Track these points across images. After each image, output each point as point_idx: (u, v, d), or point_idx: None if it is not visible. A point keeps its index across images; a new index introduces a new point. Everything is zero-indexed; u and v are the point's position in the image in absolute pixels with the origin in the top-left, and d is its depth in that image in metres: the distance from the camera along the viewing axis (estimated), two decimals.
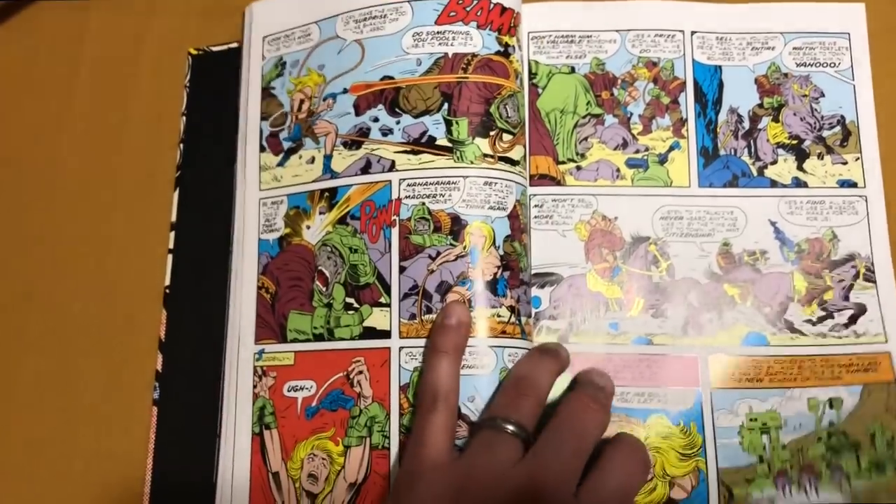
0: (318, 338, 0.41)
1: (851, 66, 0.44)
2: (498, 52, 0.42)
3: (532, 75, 0.45)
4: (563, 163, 0.43)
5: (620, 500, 0.34)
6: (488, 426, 0.35)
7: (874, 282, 0.41)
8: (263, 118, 0.45)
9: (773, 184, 0.42)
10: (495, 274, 0.39)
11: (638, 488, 0.35)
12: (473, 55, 0.42)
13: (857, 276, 0.41)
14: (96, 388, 0.44)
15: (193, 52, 0.48)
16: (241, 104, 0.46)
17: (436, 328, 0.38)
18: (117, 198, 0.47)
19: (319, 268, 0.42)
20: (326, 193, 0.43)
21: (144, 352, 0.44)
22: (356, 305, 0.41)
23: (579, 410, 0.36)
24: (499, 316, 0.39)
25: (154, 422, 0.43)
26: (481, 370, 0.38)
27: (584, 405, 0.36)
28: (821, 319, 0.41)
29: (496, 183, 0.40)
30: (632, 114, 0.44)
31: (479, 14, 0.42)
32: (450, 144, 0.41)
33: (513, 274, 0.40)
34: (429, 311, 0.39)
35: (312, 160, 0.43)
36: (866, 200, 0.42)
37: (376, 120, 0.42)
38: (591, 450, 0.35)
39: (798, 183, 0.42)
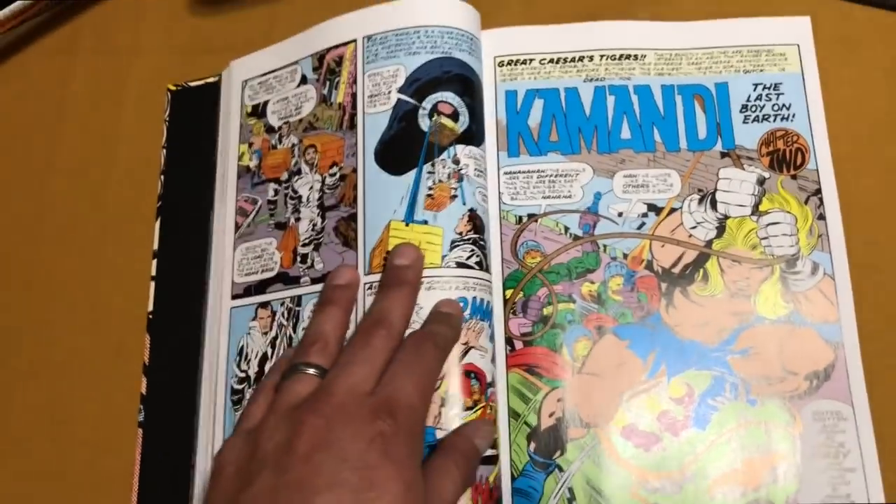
0: None
1: (802, 76, 0.46)
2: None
3: None
4: None
5: (414, 386, 0.35)
6: (288, 375, 0.37)
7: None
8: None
9: None
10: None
11: (431, 371, 0.37)
12: None
13: None
14: (86, 416, 0.46)
15: (172, 87, 0.51)
16: (220, 155, 0.49)
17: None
18: (105, 229, 0.49)
19: None
20: None
21: (132, 376, 0.46)
22: None
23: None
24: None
25: (139, 444, 0.44)
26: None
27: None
28: None
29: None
30: None
31: None
32: None
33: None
34: None
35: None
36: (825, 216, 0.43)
37: None
38: (380, 357, 0.36)
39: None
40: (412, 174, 0.43)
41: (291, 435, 0.33)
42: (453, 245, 0.41)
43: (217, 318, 0.46)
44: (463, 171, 0.43)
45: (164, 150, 0.50)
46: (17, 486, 0.45)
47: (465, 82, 0.44)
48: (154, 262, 0.48)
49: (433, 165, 0.42)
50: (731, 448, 0.40)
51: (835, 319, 0.41)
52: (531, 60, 0.47)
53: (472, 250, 0.42)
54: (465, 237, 0.42)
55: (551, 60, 0.47)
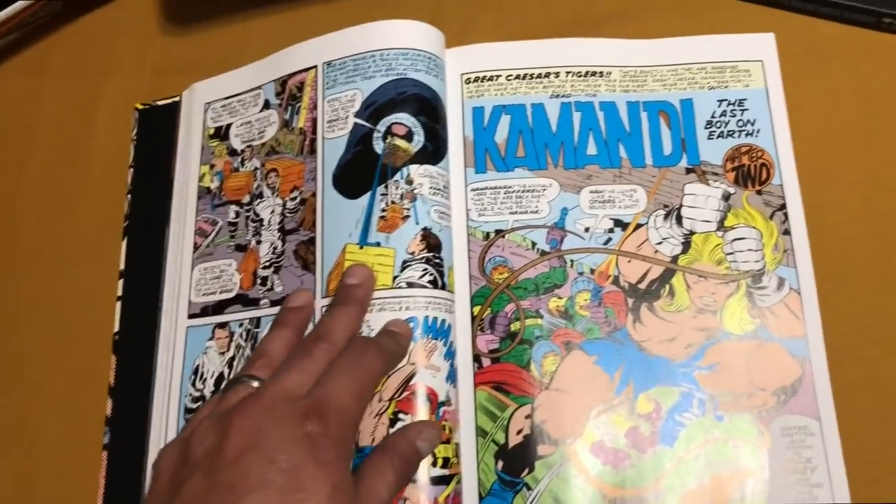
0: None
1: (766, 91, 0.46)
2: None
3: None
4: None
5: (348, 388, 0.35)
6: (229, 386, 0.37)
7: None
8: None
9: None
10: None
11: (370, 375, 0.37)
12: None
13: None
14: (53, 438, 0.45)
15: (140, 106, 0.51)
16: (178, 174, 0.49)
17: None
18: (74, 250, 0.49)
19: None
20: None
21: (98, 398, 0.45)
22: None
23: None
24: None
25: (104, 466, 0.44)
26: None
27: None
28: None
29: None
30: None
31: None
32: None
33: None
34: None
35: None
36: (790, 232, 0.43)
37: None
38: (315, 367, 0.36)
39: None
40: (366, 197, 0.43)
41: (221, 438, 0.33)
42: (405, 265, 0.41)
43: (171, 337, 0.46)
44: (416, 191, 0.43)
45: (132, 170, 0.50)
46: None
47: (421, 101, 0.44)
48: (120, 282, 0.47)
49: (386, 187, 0.43)
50: (699, 465, 0.40)
51: (801, 334, 0.41)
52: (498, 77, 0.47)
53: (425, 269, 0.41)
54: (418, 256, 0.42)
55: (518, 76, 0.47)
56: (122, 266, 0.48)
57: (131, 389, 0.45)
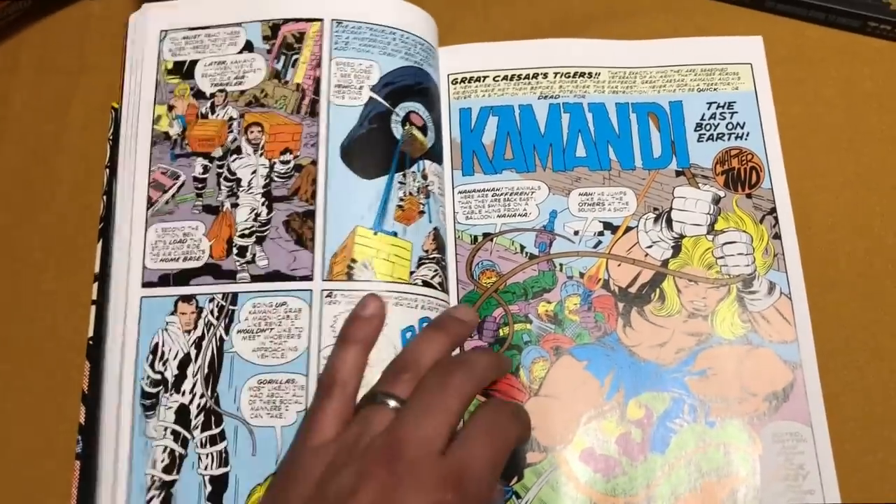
0: None
1: (756, 94, 0.46)
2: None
3: None
4: None
5: (488, 457, 0.33)
6: (367, 402, 0.35)
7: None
8: None
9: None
10: None
11: (508, 444, 0.35)
12: None
13: None
14: (22, 447, 0.44)
15: (116, 105, 0.49)
16: (126, 112, 0.45)
17: (350, 317, 0.38)
18: (47, 253, 0.47)
19: None
20: None
21: (71, 406, 0.44)
22: None
23: (440, 369, 0.36)
24: None
25: (76, 476, 0.42)
26: None
27: (445, 365, 0.36)
28: None
29: None
30: None
31: None
32: None
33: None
34: None
35: None
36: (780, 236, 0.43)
37: None
38: (458, 406, 0.34)
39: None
40: (383, 181, 0.41)
41: (358, 484, 0.32)
42: (420, 262, 0.40)
43: (122, 309, 0.41)
44: (430, 188, 0.42)
45: (107, 170, 0.48)
46: None
47: (432, 98, 0.43)
48: (95, 285, 0.46)
49: (404, 176, 0.41)
50: (691, 472, 0.39)
51: (792, 339, 0.41)
52: (485, 77, 0.46)
53: (436, 270, 0.41)
54: (431, 256, 0.41)
55: (505, 77, 0.46)
56: (96, 269, 0.46)
57: (104, 396, 0.43)
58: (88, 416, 0.43)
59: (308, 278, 0.40)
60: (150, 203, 0.42)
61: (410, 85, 0.43)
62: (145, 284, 0.41)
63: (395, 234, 0.40)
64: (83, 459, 0.42)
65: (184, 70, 0.44)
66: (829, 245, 0.43)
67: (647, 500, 0.39)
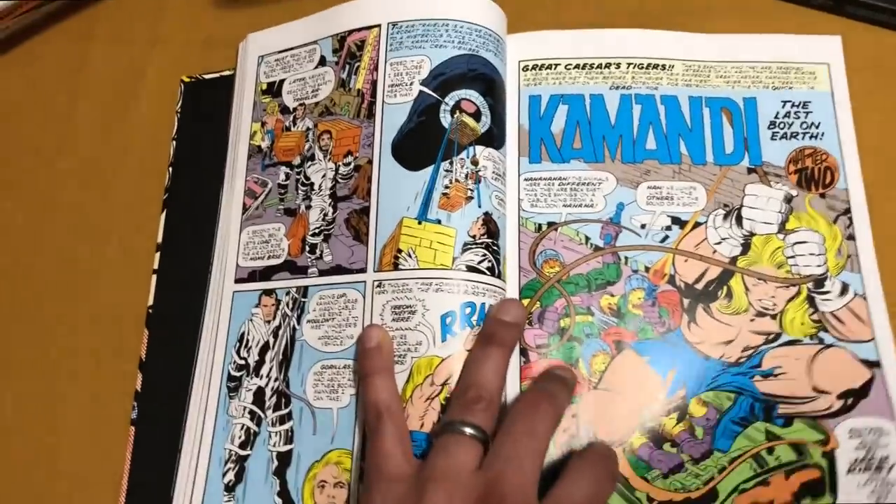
0: None
1: (832, 95, 0.45)
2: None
3: None
4: None
5: None
6: (447, 430, 0.35)
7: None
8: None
9: None
10: None
11: (605, 499, 0.34)
12: None
13: None
14: (78, 412, 0.44)
15: (186, 79, 0.50)
16: (232, 131, 0.47)
17: (360, 353, 0.39)
18: (111, 221, 0.48)
19: None
20: None
21: (128, 372, 0.44)
22: None
23: (529, 408, 0.36)
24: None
25: (131, 442, 0.42)
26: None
27: (533, 402, 0.36)
28: None
29: None
30: None
31: None
32: None
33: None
34: None
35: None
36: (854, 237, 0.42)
37: None
38: (545, 446, 0.34)
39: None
40: (429, 171, 0.41)
41: None
42: (465, 248, 0.40)
43: (218, 301, 0.44)
44: (481, 173, 0.41)
45: (174, 142, 0.48)
46: (5, 479, 0.43)
47: (489, 83, 0.43)
48: (157, 255, 0.46)
49: (451, 164, 0.41)
50: (756, 468, 0.38)
51: (869, 338, 0.40)
52: (556, 65, 0.46)
53: (485, 255, 0.40)
54: (478, 241, 0.40)
55: (577, 66, 0.46)
56: (159, 239, 0.46)
57: (164, 364, 0.44)
58: (145, 384, 0.43)
59: (363, 270, 0.41)
60: (245, 209, 0.46)
61: (463, 73, 0.43)
62: (237, 280, 0.44)
63: (438, 222, 0.40)
64: (137, 426, 0.43)
65: (274, 89, 0.48)
66: None
67: (708, 495, 0.38)
